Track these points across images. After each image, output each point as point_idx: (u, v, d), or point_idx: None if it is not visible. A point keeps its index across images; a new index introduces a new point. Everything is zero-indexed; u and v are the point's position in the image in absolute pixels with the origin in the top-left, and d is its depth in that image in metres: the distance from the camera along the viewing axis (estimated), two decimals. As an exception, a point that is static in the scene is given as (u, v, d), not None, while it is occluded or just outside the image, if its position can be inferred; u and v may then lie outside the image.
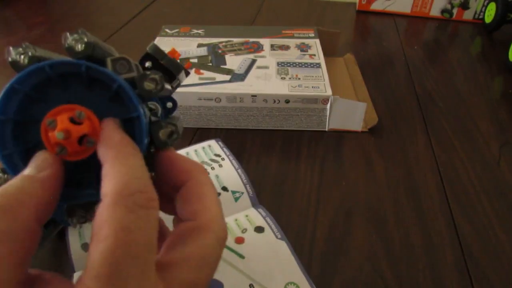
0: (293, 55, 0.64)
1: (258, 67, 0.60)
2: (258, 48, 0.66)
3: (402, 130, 0.58)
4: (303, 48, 0.66)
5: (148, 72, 0.20)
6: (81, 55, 0.19)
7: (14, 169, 0.19)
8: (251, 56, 0.63)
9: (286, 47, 0.66)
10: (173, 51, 0.29)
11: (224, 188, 0.46)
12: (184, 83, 0.58)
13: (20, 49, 0.19)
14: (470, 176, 0.51)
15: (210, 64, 0.61)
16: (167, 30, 0.72)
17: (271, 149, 0.54)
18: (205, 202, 0.21)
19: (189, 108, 0.56)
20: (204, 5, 1.00)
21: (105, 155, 0.18)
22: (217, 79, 0.58)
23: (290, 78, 0.58)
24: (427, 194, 0.48)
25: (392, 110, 0.63)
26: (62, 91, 0.19)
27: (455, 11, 0.92)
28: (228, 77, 0.58)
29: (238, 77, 0.58)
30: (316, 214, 0.45)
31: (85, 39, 0.19)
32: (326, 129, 0.57)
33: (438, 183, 0.50)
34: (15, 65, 0.19)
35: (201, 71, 0.59)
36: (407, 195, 0.48)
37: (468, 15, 0.92)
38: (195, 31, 0.71)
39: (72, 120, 0.18)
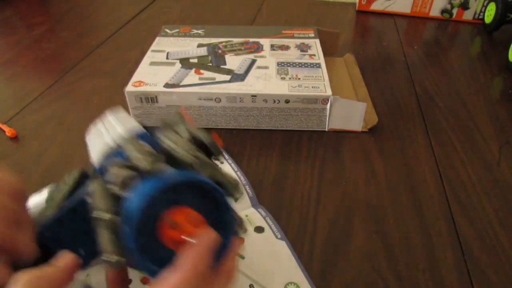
0: (293, 55, 0.63)
1: (258, 67, 0.60)
2: (258, 48, 0.65)
3: (402, 130, 0.58)
4: (303, 48, 0.66)
5: (232, 181, 0.26)
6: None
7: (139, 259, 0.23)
8: (251, 56, 0.63)
9: (286, 47, 0.66)
10: (216, 137, 0.31)
11: None
12: (184, 83, 0.56)
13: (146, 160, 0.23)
14: (470, 176, 0.51)
15: (210, 64, 0.61)
16: (167, 30, 0.72)
17: (271, 149, 0.54)
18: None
19: (189, 108, 0.56)
20: (204, 5, 1.00)
21: (181, 261, 0.21)
22: (217, 79, 0.57)
23: (290, 78, 0.57)
24: (427, 194, 0.48)
25: (392, 110, 0.63)
26: (172, 194, 0.23)
27: (455, 11, 0.92)
28: (228, 77, 0.57)
29: (238, 77, 0.57)
30: (316, 214, 0.45)
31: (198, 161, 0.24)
32: (326, 129, 0.57)
33: (438, 183, 0.50)
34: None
35: (201, 71, 0.59)
36: (407, 195, 0.48)
37: (468, 15, 0.92)
38: (195, 31, 0.71)
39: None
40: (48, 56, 0.78)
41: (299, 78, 0.57)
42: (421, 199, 0.47)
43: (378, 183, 0.49)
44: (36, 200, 0.39)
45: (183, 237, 0.22)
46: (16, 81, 0.70)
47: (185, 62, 0.61)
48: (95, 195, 0.24)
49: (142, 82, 0.56)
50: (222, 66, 0.60)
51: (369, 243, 0.42)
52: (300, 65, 0.60)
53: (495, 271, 0.40)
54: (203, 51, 0.64)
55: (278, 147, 0.55)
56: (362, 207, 0.46)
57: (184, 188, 0.23)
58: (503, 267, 0.40)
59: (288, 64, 0.61)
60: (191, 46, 0.66)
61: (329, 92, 0.54)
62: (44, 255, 0.27)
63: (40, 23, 0.91)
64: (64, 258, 0.24)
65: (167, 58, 0.62)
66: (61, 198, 0.29)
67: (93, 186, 0.25)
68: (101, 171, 0.29)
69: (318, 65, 0.60)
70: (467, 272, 0.40)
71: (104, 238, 0.23)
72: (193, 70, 0.59)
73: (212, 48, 0.65)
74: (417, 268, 0.40)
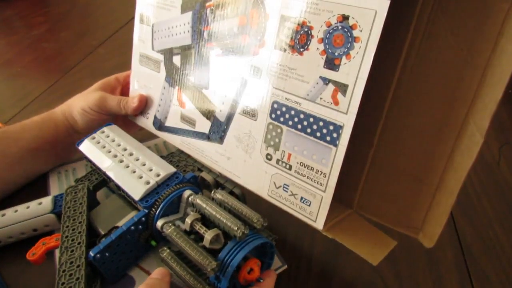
0: (307, 73, 0.32)
1: (244, 112, 0.37)
2: (259, 30, 0.35)
3: (402, 130, 0.58)
4: (337, 42, 0.30)
5: (272, 235, 0.36)
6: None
7: None
8: (245, 70, 0.37)
9: (303, 38, 0.32)
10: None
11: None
12: (168, 121, 0.46)
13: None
14: (470, 176, 0.51)
15: (192, 78, 0.43)
16: None
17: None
18: None
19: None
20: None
21: None
22: (197, 126, 0.43)
23: (278, 161, 0.35)
24: (427, 194, 0.48)
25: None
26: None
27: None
28: (207, 126, 0.41)
29: (217, 131, 0.40)
30: (316, 214, 0.45)
31: (245, 231, 0.32)
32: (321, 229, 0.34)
33: (438, 183, 0.50)
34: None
35: (183, 99, 0.44)
36: (407, 195, 0.48)
37: (468, 15, 0.91)
38: None
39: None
40: (48, 56, 0.78)
41: (290, 167, 0.35)
42: (421, 199, 0.47)
43: (378, 183, 0.49)
44: (36, 211, 0.40)
45: (257, 277, 0.33)
46: (16, 81, 0.70)
47: (169, 64, 0.46)
48: (190, 248, 0.32)
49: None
50: (203, 91, 0.42)
51: (369, 243, 0.42)
52: (302, 125, 0.33)
53: (495, 271, 0.40)
54: (186, 33, 0.43)
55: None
56: (362, 207, 0.46)
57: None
58: (503, 267, 0.40)
59: (286, 115, 0.34)
60: (171, 12, 0.44)
61: (320, 223, 0.34)
62: (93, 272, 0.35)
63: (40, 23, 0.91)
64: (161, 270, 0.32)
65: (152, 45, 0.47)
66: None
67: (173, 233, 0.33)
68: (144, 203, 0.36)
69: (335, 134, 0.31)
70: (467, 272, 0.40)
71: (197, 275, 0.32)
72: (176, 90, 0.45)
73: (197, 22, 0.41)
74: (417, 268, 0.40)
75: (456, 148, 0.33)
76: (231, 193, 0.39)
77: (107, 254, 0.34)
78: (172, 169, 0.39)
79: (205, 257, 0.30)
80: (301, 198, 0.34)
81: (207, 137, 0.42)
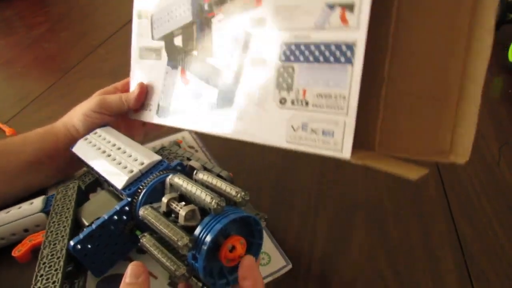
0: (312, 6, 0.34)
1: (252, 64, 0.38)
2: None
3: (402, 130, 0.58)
4: None
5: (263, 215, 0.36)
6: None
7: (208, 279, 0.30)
8: (246, 22, 0.38)
9: None
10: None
11: None
12: (173, 105, 0.46)
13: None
14: (470, 176, 0.51)
15: (195, 52, 0.43)
16: None
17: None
18: None
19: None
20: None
21: (246, 276, 0.28)
22: (204, 97, 0.42)
23: (293, 102, 0.35)
24: (427, 194, 0.48)
25: (392, 110, 0.63)
26: (229, 226, 0.29)
27: (455, 11, 0.92)
28: (215, 94, 0.41)
29: (226, 93, 0.40)
30: (316, 213, 0.45)
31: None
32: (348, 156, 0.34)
33: (438, 183, 0.50)
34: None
35: (187, 75, 0.44)
36: (407, 195, 0.48)
37: (468, 15, 0.91)
38: None
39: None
40: (48, 56, 0.78)
41: (307, 103, 0.34)
42: (421, 199, 0.47)
43: (378, 182, 0.49)
44: (27, 210, 0.40)
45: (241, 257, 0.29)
46: (16, 81, 0.70)
47: (170, 47, 0.46)
48: (163, 226, 0.29)
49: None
50: (207, 60, 0.42)
51: (369, 243, 0.42)
52: (314, 56, 0.34)
53: (494, 271, 0.40)
54: (187, 12, 0.44)
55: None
56: (362, 207, 0.46)
57: (237, 221, 0.30)
58: (502, 267, 0.40)
59: (298, 52, 0.35)
60: None
61: (347, 151, 0.32)
62: (77, 268, 0.34)
63: (40, 23, 0.91)
64: (134, 270, 0.28)
65: (152, 35, 0.48)
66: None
67: (149, 214, 0.31)
68: (127, 191, 0.35)
69: (349, 53, 0.32)
70: (467, 272, 0.40)
71: (174, 257, 0.29)
72: (179, 70, 0.45)
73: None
74: (417, 268, 0.40)
75: (468, 58, 0.32)
76: (219, 176, 0.38)
77: (89, 245, 0.33)
78: (156, 157, 0.38)
79: (177, 232, 0.28)
80: (323, 131, 0.34)
81: (215, 105, 0.41)
